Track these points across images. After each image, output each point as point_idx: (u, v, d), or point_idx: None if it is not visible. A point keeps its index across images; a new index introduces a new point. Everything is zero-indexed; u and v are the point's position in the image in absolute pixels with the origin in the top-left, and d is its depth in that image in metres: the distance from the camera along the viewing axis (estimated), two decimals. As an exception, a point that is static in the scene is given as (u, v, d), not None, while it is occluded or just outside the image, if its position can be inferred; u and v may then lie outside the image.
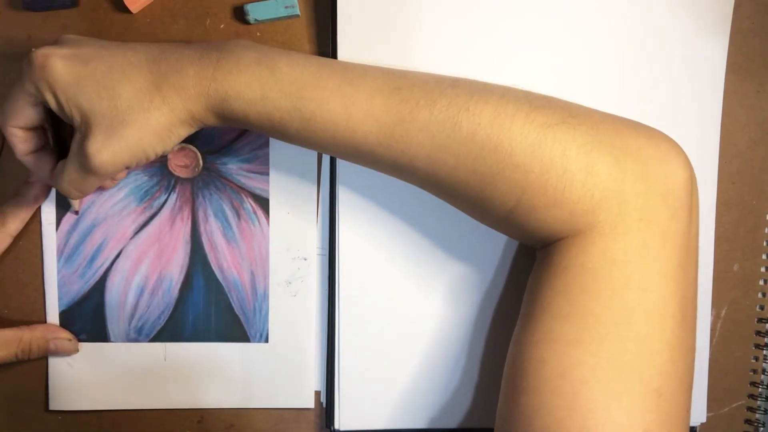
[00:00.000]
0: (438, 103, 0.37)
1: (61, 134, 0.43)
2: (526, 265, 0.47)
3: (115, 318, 0.47)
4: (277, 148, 0.47)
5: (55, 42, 0.40)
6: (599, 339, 0.35)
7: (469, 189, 0.38)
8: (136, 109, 0.38)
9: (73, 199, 0.44)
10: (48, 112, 0.41)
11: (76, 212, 0.46)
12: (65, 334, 0.46)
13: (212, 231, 0.47)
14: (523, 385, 0.36)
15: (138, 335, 0.47)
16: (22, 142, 0.41)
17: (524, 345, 0.37)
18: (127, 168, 0.41)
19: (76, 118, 0.38)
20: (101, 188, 0.46)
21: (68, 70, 0.38)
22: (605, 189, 0.36)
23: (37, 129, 0.42)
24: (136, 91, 0.38)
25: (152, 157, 0.40)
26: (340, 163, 0.46)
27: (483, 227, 0.46)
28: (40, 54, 0.38)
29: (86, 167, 0.39)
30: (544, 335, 0.37)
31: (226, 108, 0.38)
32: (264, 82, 0.38)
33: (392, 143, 0.38)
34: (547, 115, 0.37)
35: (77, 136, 0.39)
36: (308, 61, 0.39)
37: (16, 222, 0.45)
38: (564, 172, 0.36)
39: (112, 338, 0.47)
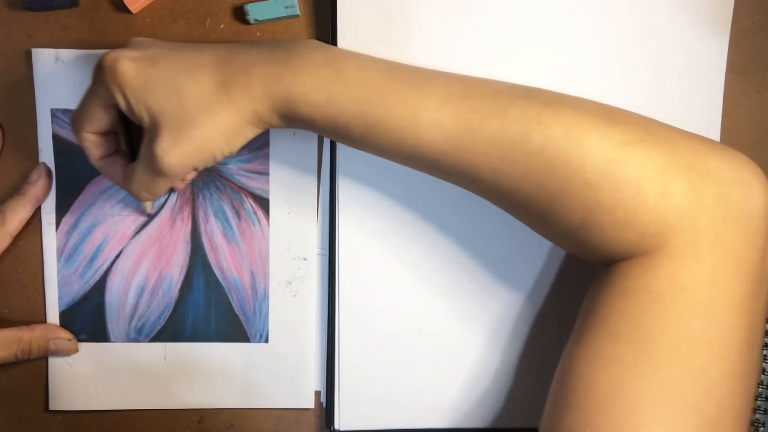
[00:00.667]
0: (509, 113, 0.36)
1: (133, 139, 0.43)
2: (526, 265, 0.47)
3: (115, 318, 0.47)
4: (277, 148, 0.47)
5: (125, 45, 0.40)
6: (656, 364, 0.34)
7: (534, 203, 0.37)
8: (203, 109, 0.37)
9: (143, 201, 0.44)
10: (120, 117, 0.41)
11: (149, 214, 0.46)
12: (65, 334, 0.46)
13: (212, 231, 0.47)
14: (571, 402, 0.35)
15: (138, 335, 0.47)
16: (95, 147, 0.42)
17: (575, 362, 0.36)
18: (195, 169, 0.41)
19: (146, 120, 0.38)
20: (172, 189, 0.46)
21: (137, 72, 0.37)
22: (680, 212, 0.35)
23: (110, 134, 0.42)
24: (203, 92, 0.37)
25: (219, 158, 0.39)
26: (341, 163, 0.46)
27: (483, 227, 0.46)
28: (110, 57, 0.38)
29: (155, 169, 0.38)
30: (598, 355, 0.35)
31: (292, 110, 0.38)
32: (331, 85, 0.37)
33: (458, 153, 0.37)
34: (624, 131, 0.36)
35: (146, 138, 0.39)
36: (376, 65, 0.39)
37: (15, 222, 0.45)
38: (637, 193, 0.35)
39: (112, 338, 0.47)
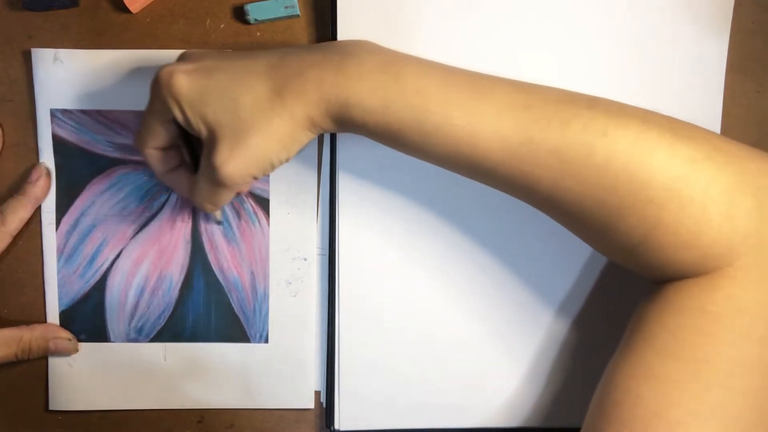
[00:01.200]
0: (572, 124, 0.35)
1: (195, 150, 0.43)
2: (526, 264, 0.47)
3: (115, 318, 0.47)
4: (277, 148, 0.47)
5: (179, 58, 0.41)
6: (706, 385, 0.33)
7: (593, 218, 0.36)
8: (258, 117, 0.37)
9: (208, 212, 0.44)
10: (180, 130, 0.41)
11: (219, 222, 0.47)
12: (65, 334, 0.46)
13: (212, 231, 0.47)
14: (613, 417, 0.34)
15: (138, 335, 0.47)
16: (159, 162, 0.42)
17: (621, 377, 0.35)
18: (255, 178, 0.39)
19: (203, 132, 0.38)
20: (237, 194, 0.45)
21: (192, 84, 0.37)
22: (744, 234, 0.34)
23: (172, 148, 0.42)
24: (257, 99, 0.37)
25: (277, 165, 0.39)
26: (340, 163, 0.46)
27: (483, 227, 0.46)
28: (165, 72, 0.37)
29: (214, 180, 0.38)
30: (645, 371, 0.35)
31: (346, 114, 0.37)
32: (387, 91, 0.36)
33: (516, 164, 0.36)
34: (693, 148, 0.34)
35: (205, 150, 0.39)
36: (434, 70, 0.38)
37: (15, 221, 0.45)
38: (702, 213, 0.34)
39: (112, 338, 0.47)
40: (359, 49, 0.38)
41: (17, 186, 0.46)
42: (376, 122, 0.37)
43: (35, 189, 0.45)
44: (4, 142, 0.46)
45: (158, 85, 0.38)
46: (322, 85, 0.36)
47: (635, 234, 0.35)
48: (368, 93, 0.36)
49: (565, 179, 0.35)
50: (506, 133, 0.35)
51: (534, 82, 0.38)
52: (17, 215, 0.45)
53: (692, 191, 0.34)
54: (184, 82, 0.37)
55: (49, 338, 0.46)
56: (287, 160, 0.39)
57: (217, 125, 0.37)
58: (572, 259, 0.47)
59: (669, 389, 0.34)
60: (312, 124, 0.38)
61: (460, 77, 0.37)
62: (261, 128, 0.37)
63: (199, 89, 0.37)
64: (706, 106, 0.46)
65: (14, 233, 0.45)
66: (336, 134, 0.46)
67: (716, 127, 0.47)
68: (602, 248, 0.39)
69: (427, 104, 0.36)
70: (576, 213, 0.36)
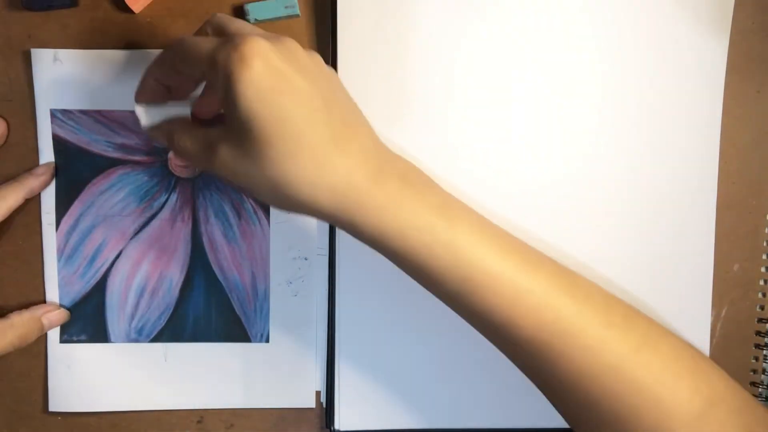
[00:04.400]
0: (610, 331, 0.34)
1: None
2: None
3: (116, 318, 0.47)
4: (277, 148, 0.47)
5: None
6: None
7: (604, 426, 0.35)
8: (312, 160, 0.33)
9: (180, 159, 0.41)
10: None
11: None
12: (51, 306, 0.46)
13: (213, 231, 0.47)
14: None
15: (138, 335, 0.47)
16: (151, 92, 0.39)
17: None
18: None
19: (246, 127, 0.33)
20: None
21: (271, 79, 0.33)
22: None
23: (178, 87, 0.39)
24: (312, 144, 0.33)
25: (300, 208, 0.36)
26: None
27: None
28: (248, 46, 0.32)
29: (206, 158, 0.35)
30: None
31: (375, 236, 0.34)
32: (436, 235, 0.34)
33: (545, 350, 0.35)
34: (712, 387, 0.35)
35: (240, 143, 0.34)
36: (485, 226, 0.35)
37: (3, 208, 0.44)
38: None
39: (112, 339, 0.47)
40: (419, 179, 0.35)
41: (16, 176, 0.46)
42: (410, 262, 0.35)
43: (34, 181, 0.45)
44: (9, 133, 0.46)
45: (234, 52, 0.32)
46: (368, 205, 0.34)
47: None
48: (415, 232, 0.34)
49: (590, 381, 0.35)
50: (546, 318, 0.34)
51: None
52: (6, 202, 0.44)
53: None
54: (265, 71, 0.32)
55: (39, 315, 0.45)
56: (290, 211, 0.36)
57: (271, 130, 0.32)
58: (573, 262, 0.47)
59: None
60: (332, 217, 0.35)
61: (511, 242, 0.36)
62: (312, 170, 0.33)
63: (276, 91, 0.32)
64: (706, 106, 0.46)
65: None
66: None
67: (716, 127, 0.47)
68: (572, 424, 0.39)
69: (475, 262, 0.34)
70: (588, 416, 0.36)
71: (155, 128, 0.39)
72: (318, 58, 0.36)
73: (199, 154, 0.36)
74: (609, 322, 0.35)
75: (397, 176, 0.34)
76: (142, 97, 0.39)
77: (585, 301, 0.35)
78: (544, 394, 0.38)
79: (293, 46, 0.34)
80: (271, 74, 0.32)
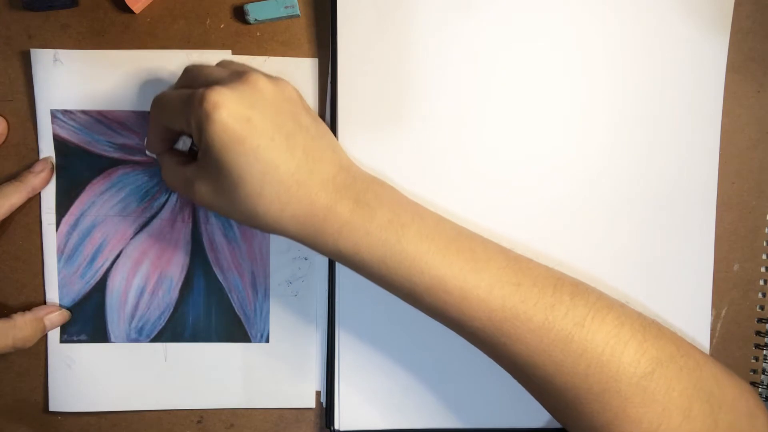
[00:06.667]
0: (555, 310, 0.37)
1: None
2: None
3: (116, 318, 0.47)
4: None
5: (219, 64, 0.41)
6: None
7: (561, 396, 0.38)
8: (274, 188, 0.37)
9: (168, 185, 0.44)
10: None
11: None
12: (52, 307, 0.46)
13: (213, 231, 0.47)
14: None
15: (138, 335, 0.47)
16: (163, 141, 0.43)
17: None
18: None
19: (215, 166, 0.37)
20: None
21: (235, 127, 0.36)
22: None
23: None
24: (276, 181, 0.37)
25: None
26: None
27: (484, 223, 0.46)
28: (211, 100, 0.35)
29: (187, 191, 0.40)
30: None
31: (334, 254, 0.38)
32: (387, 249, 0.37)
33: (498, 334, 0.38)
34: (659, 348, 0.37)
35: (206, 172, 0.38)
36: (437, 233, 0.38)
37: (5, 206, 0.44)
38: (662, 410, 0.37)
39: (112, 339, 0.47)
40: (374, 197, 0.38)
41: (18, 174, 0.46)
42: (369, 273, 0.39)
43: (35, 179, 0.45)
44: (9, 132, 0.46)
45: (199, 107, 0.36)
46: (323, 234, 0.38)
47: (599, 419, 0.37)
48: (367, 249, 0.38)
49: (541, 357, 0.37)
50: (494, 307, 0.37)
51: (526, 255, 0.40)
52: (9, 200, 0.44)
53: (656, 389, 0.37)
54: (228, 120, 0.35)
55: (42, 316, 0.46)
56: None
57: (239, 172, 0.36)
58: (573, 262, 0.47)
59: None
60: (298, 239, 0.39)
61: (460, 243, 0.38)
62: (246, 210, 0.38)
63: (239, 138, 0.36)
64: (706, 106, 0.46)
65: (1, 218, 0.44)
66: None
67: (716, 127, 0.47)
68: (564, 423, 0.41)
69: (425, 268, 0.37)
70: (546, 388, 0.39)
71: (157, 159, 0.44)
72: (282, 85, 0.39)
73: (181, 189, 0.41)
74: (555, 301, 0.37)
75: (352, 199, 0.38)
76: (151, 149, 0.44)
77: (531, 286, 0.38)
78: (513, 376, 0.40)
79: (256, 81, 0.37)
80: (235, 121, 0.35)
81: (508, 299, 0.37)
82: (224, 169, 0.36)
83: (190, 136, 0.40)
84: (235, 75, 0.38)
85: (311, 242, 0.38)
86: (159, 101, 0.40)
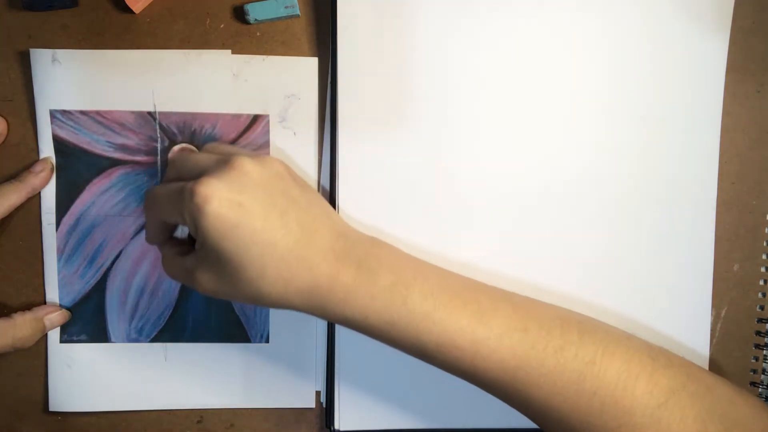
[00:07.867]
0: (565, 351, 0.38)
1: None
2: (525, 264, 0.47)
3: (116, 318, 0.47)
4: (277, 148, 0.47)
5: (205, 150, 0.42)
6: None
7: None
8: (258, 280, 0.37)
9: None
10: None
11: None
12: (52, 307, 0.46)
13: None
14: None
15: (138, 336, 0.47)
16: (160, 231, 0.43)
17: None
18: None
19: (213, 254, 0.37)
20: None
21: (227, 216, 0.37)
22: None
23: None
24: (275, 261, 0.37)
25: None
26: (340, 163, 0.46)
27: (484, 222, 0.46)
28: (201, 195, 0.36)
29: (189, 281, 0.40)
30: None
31: (342, 322, 0.39)
32: (394, 312, 0.38)
33: (512, 382, 0.38)
34: (670, 377, 0.38)
35: (205, 260, 0.38)
36: (441, 289, 0.39)
37: (4, 205, 0.44)
38: None
39: (112, 339, 0.47)
40: (375, 261, 0.39)
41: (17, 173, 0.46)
42: (379, 336, 0.39)
43: (35, 179, 0.45)
44: (8, 132, 0.46)
45: (190, 202, 0.36)
46: (331, 299, 0.38)
47: None
48: (374, 314, 0.38)
49: (556, 399, 0.38)
50: (505, 357, 0.38)
51: (531, 297, 0.41)
52: (8, 200, 0.44)
53: (670, 419, 0.37)
54: (220, 210, 0.36)
55: (42, 316, 0.46)
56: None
57: (238, 258, 0.37)
58: (573, 263, 0.47)
59: None
60: (305, 311, 0.39)
61: (465, 296, 0.39)
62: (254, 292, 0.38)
63: (234, 225, 0.36)
64: (706, 106, 0.46)
65: (0, 218, 0.45)
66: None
67: (716, 127, 0.47)
68: None
69: (433, 327, 0.38)
70: (563, 428, 0.39)
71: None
72: (269, 163, 0.39)
73: (183, 279, 0.41)
74: (564, 342, 0.38)
75: (354, 266, 0.38)
76: (151, 241, 0.43)
77: (539, 330, 0.38)
78: (530, 419, 0.40)
79: (242, 165, 0.37)
80: (227, 210, 0.36)
81: (518, 347, 0.38)
82: (224, 256, 0.37)
83: None
84: (221, 162, 0.38)
85: (319, 313, 0.38)
86: (151, 198, 0.40)
